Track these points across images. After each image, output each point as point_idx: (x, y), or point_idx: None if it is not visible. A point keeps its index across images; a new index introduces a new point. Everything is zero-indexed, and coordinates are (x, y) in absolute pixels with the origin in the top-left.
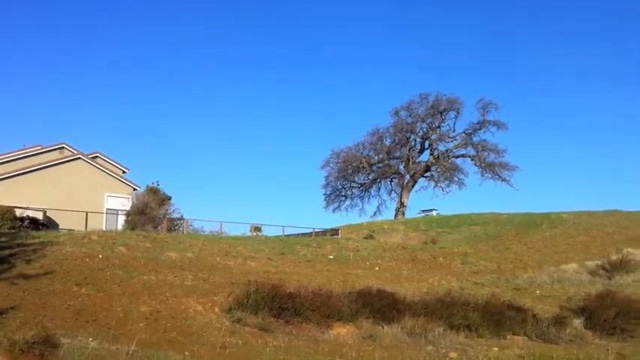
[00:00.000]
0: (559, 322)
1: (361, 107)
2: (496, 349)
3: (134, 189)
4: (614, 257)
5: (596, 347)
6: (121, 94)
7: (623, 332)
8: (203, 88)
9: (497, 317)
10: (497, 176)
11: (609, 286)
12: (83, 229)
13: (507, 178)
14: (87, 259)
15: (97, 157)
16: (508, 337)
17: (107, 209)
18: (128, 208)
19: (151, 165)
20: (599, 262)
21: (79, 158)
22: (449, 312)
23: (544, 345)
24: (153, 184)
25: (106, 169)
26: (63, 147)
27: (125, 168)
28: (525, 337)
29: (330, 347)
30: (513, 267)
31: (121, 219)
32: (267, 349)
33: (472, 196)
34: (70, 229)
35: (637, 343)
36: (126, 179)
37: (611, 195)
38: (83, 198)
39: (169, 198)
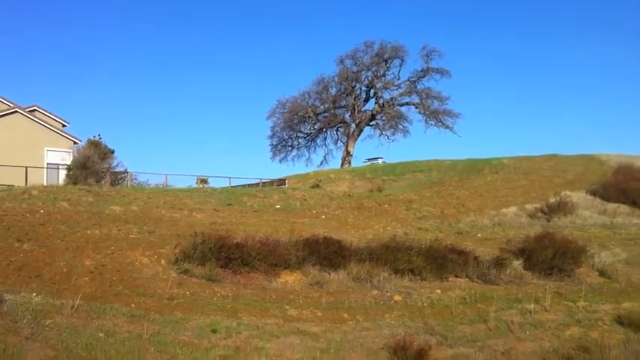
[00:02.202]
0: (499, 263)
1: (306, 56)
2: (439, 291)
3: (75, 142)
4: (552, 200)
5: (535, 287)
6: (58, 45)
7: (560, 272)
8: (143, 38)
9: (440, 261)
10: (440, 123)
11: (548, 228)
12: (23, 184)
13: (451, 125)
14: (28, 215)
15: (34, 110)
16: (450, 279)
17: (47, 164)
18: (69, 162)
19: (91, 119)
20: (538, 205)
21: (16, 112)
22: (393, 257)
23: (485, 286)
24: (94, 137)
25: (45, 122)
26: None
27: (65, 121)
28: (467, 279)
29: (277, 295)
30: (456, 212)
31: (62, 174)
32: (215, 298)
33: (417, 144)
34: (9, 185)
35: (573, 282)
36: (66, 133)
37: (550, 139)
38: (22, 153)
39: (112, 151)
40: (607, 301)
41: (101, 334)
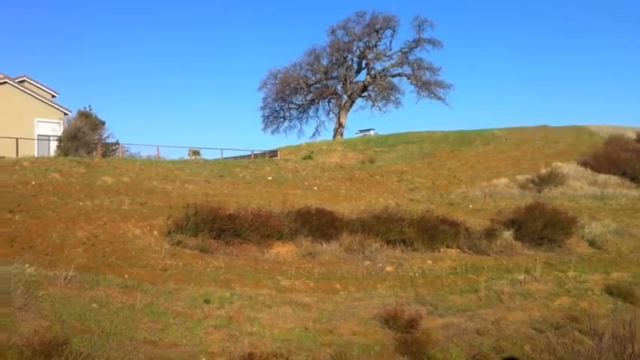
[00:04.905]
0: (490, 234)
1: (298, 26)
2: (430, 261)
3: (65, 114)
4: (543, 171)
5: (525, 257)
6: (48, 16)
7: (550, 242)
8: (134, 9)
9: (432, 231)
10: (432, 94)
11: (538, 199)
12: (14, 156)
13: (442, 97)
14: (19, 186)
15: (24, 80)
16: (442, 249)
17: (38, 135)
18: (60, 133)
19: (81, 90)
20: (529, 176)
21: (6, 82)
22: (385, 228)
23: (475, 256)
24: (85, 108)
25: (35, 93)
26: None
27: (54, 92)
28: (458, 250)
29: (270, 266)
30: (447, 183)
31: (53, 145)
32: (208, 269)
33: (409, 115)
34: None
35: (563, 253)
36: (56, 104)
37: (541, 111)
38: (12, 124)
39: (103, 123)
40: (596, 271)
41: (94, 305)
